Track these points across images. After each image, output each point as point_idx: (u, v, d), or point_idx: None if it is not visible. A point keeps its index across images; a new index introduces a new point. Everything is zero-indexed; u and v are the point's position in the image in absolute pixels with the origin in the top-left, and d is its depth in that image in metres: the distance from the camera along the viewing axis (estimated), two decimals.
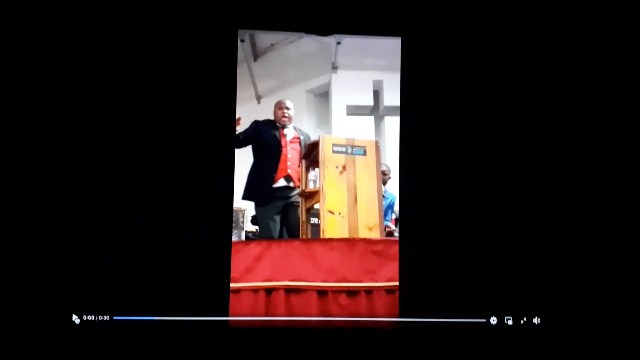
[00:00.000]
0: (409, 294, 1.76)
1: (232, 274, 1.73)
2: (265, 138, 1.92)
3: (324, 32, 1.82)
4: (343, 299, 1.76)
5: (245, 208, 1.87)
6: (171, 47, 1.74)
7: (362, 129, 1.96)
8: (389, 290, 1.76)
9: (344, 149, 1.92)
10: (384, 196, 1.92)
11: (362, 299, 1.76)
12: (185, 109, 1.74)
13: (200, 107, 1.74)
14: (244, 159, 1.82)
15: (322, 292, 1.76)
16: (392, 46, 1.82)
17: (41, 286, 1.66)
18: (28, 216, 1.67)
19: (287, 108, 1.94)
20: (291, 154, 1.96)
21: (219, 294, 1.72)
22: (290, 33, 1.83)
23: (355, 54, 1.88)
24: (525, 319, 1.76)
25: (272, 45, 1.86)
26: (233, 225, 1.76)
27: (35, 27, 1.69)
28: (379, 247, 1.80)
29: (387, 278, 1.77)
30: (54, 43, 1.69)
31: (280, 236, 1.91)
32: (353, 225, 1.86)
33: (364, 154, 1.92)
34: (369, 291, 1.77)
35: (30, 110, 1.68)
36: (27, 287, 1.65)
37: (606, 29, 1.82)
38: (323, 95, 1.97)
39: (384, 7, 1.80)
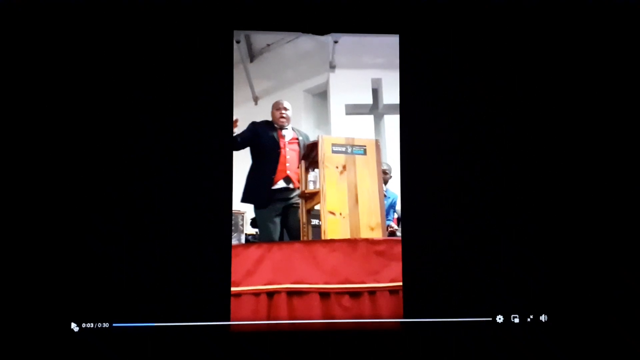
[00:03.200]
0: (413, 294, 1.74)
1: (233, 278, 1.70)
2: (264, 139, 1.90)
3: (321, 31, 1.80)
4: (346, 300, 1.73)
5: (244, 211, 1.85)
6: (166, 50, 1.72)
7: (361, 128, 1.95)
8: (392, 291, 1.74)
9: (343, 149, 1.90)
10: (385, 195, 1.90)
11: (366, 300, 1.74)
12: (181, 111, 1.72)
13: (197, 109, 1.72)
14: (242, 161, 1.80)
15: (324, 294, 1.73)
16: (390, 44, 1.80)
17: (39, 294, 1.63)
18: (26, 223, 1.64)
19: (285, 109, 1.93)
20: (290, 155, 1.94)
21: (219, 299, 1.69)
22: (286, 33, 1.81)
23: (353, 52, 1.86)
24: (532, 316, 1.75)
25: (268, 45, 1.84)
26: (232, 228, 1.74)
27: (32, 28, 1.68)
28: (381, 247, 1.78)
29: (390, 278, 1.75)
30: (52, 44, 1.68)
31: (281, 238, 1.89)
32: (355, 225, 1.85)
33: (364, 153, 1.91)
34: (372, 292, 1.74)
35: (28, 113, 1.67)
36: (25, 295, 1.63)
37: (611, 31, 1.81)
38: (321, 95, 1.97)
39: (381, 4, 1.78)
